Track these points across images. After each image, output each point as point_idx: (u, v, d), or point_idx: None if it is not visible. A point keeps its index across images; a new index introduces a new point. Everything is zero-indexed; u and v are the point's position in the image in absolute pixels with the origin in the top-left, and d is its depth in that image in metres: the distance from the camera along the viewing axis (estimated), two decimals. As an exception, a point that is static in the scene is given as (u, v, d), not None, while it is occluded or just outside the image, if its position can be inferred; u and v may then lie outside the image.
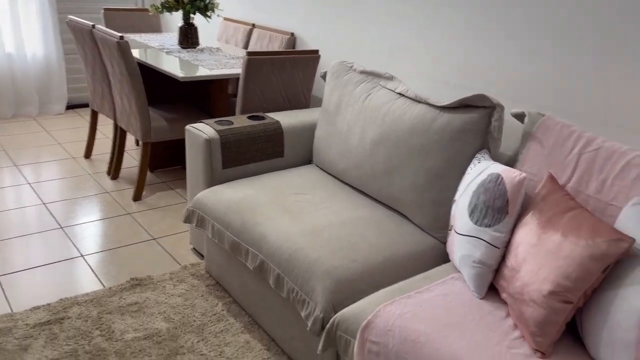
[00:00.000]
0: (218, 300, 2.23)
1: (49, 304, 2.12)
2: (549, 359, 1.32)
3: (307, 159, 2.63)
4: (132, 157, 3.77)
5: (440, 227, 1.93)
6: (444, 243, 1.94)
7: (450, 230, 1.76)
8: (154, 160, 3.52)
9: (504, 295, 1.51)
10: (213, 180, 2.37)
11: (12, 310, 2.10)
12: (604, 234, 1.26)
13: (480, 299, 1.56)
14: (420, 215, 1.98)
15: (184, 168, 3.60)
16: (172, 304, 2.19)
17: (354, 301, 1.70)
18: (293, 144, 2.55)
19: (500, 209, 1.55)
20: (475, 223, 1.60)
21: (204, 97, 3.42)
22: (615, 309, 1.22)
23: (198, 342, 1.99)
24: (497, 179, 1.58)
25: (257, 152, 2.44)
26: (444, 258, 1.92)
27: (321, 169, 2.50)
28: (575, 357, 1.34)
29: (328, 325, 1.61)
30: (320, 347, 1.62)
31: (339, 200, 2.17)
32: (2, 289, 2.22)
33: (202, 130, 2.35)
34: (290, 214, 2.03)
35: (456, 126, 1.88)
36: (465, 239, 1.63)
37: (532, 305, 1.36)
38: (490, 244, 1.55)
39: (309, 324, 1.68)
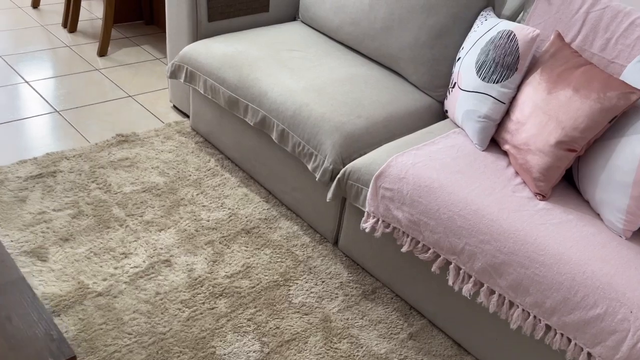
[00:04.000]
0: (209, 156, 2.24)
1: (35, 158, 2.06)
2: (548, 201, 1.48)
3: (291, 15, 2.53)
4: (85, 9, 3.45)
5: (437, 85, 1.99)
6: (440, 102, 2.01)
7: (453, 87, 1.82)
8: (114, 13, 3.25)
9: (506, 147, 1.63)
10: (198, 34, 2.25)
11: (-5, 164, 2.02)
12: (615, 87, 1.36)
13: (482, 150, 1.67)
14: (417, 73, 2.01)
15: (147, 23, 3.36)
16: (163, 159, 2.18)
17: (360, 155, 1.77)
18: (279, -2, 2.43)
19: (510, 66, 1.61)
20: (483, 79, 1.66)
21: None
22: (617, 155, 1.36)
23: (197, 194, 2.03)
24: (509, 36, 1.62)
25: (242, 5, 2.32)
26: (440, 116, 2.00)
27: (308, 25, 2.42)
28: (569, 197, 1.51)
29: (339, 175, 1.69)
30: (330, 195, 1.72)
31: (333, 57, 2.14)
32: (-22, 144, 2.11)
33: (185, -23, 2.18)
34: (289, 70, 2.00)
35: (463, -18, 1.86)
36: (470, 95, 1.70)
37: (538, 154, 1.48)
38: (497, 100, 1.63)
39: (318, 175, 1.75)
